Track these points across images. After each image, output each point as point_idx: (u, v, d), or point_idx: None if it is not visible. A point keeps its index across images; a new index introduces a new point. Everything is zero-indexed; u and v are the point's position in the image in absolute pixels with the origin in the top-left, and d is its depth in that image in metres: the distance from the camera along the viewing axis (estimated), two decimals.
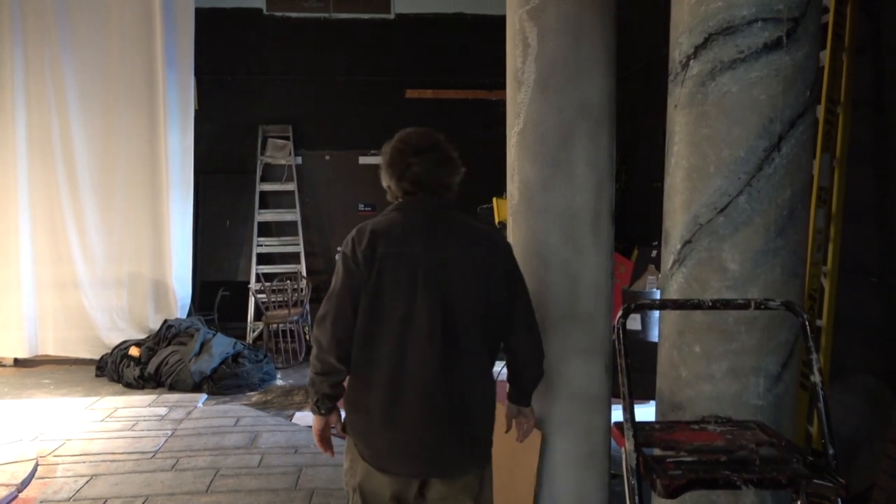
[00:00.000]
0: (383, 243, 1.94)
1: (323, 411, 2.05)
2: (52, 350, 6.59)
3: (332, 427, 2.10)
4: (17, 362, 6.50)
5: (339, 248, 2.20)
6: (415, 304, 1.90)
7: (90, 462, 4.00)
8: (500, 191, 5.36)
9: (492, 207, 5.82)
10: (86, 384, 5.88)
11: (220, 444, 4.29)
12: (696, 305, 1.65)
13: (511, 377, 2.16)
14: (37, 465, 3.89)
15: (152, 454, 4.12)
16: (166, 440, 4.35)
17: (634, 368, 3.02)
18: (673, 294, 2.12)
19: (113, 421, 4.76)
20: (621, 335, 1.55)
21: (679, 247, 2.10)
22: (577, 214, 2.60)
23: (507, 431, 2.25)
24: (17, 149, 6.32)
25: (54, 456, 4.09)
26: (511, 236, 2.76)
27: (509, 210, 2.78)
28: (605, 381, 2.72)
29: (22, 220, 6.38)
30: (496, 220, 5.77)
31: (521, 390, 2.18)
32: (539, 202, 2.63)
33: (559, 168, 2.58)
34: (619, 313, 1.56)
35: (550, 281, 2.63)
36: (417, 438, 1.92)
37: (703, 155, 2.03)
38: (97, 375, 6.10)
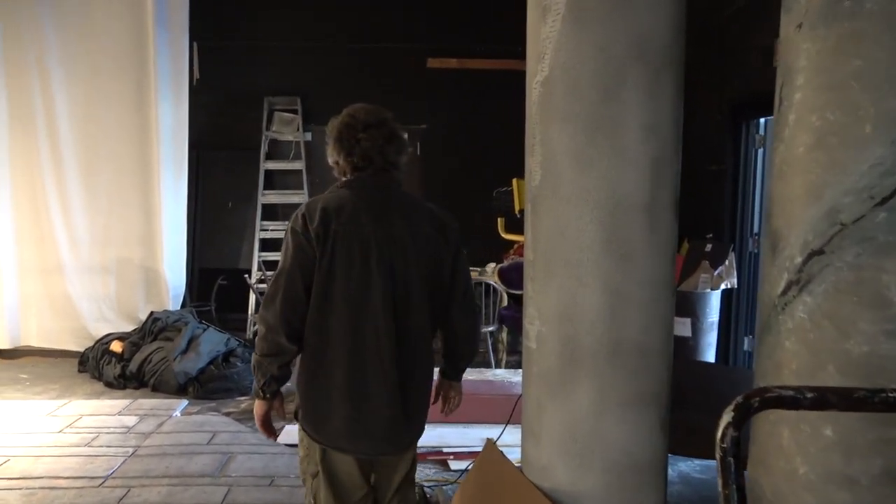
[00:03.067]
0: (336, 220, 1.92)
1: (268, 395, 2.03)
2: (35, 341, 6.02)
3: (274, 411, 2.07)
4: (1, 353, 5.95)
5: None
6: (369, 281, 1.91)
7: (26, 489, 3.34)
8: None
9: (510, 191, 4.81)
10: (64, 381, 5.28)
11: (185, 469, 3.59)
12: (888, 404, 0.79)
13: (447, 353, 2.17)
14: None
15: (102, 480, 3.45)
16: (124, 461, 3.67)
17: (677, 402, 2.15)
18: (785, 338, 1.30)
19: (72, 432, 4.11)
20: (730, 460, 0.72)
21: (800, 260, 1.27)
22: (626, 202, 1.77)
23: (433, 404, 2.18)
24: None
25: None
26: (529, 231, 1.96)
27: (528, 194, 1.97)
28: (660, 442, 1.90)
29: (1, 195, 5.78)
30: (515, 208, 4.78)
31: (455, 367, 2.19)
32: (570, 184, 1.81)
33: (600, 133, 1.75)
34: (726, 416, 0.73)
35: (584, 299, 1.82)
36: (377, 417, 1.94)
37: (850, 105, 1.19)
38: (80, 371, 5.51)
